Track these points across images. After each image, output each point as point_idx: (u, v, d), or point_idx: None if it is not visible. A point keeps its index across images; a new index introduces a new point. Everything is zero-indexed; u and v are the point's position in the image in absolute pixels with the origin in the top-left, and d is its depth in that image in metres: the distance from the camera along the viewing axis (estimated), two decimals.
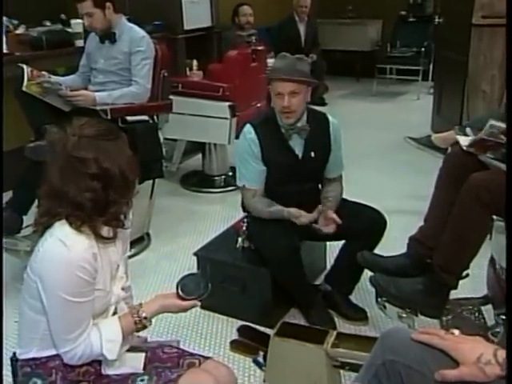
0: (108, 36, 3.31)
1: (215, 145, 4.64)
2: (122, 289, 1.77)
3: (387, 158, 5.20)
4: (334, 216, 2.56)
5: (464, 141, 2.36)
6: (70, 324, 1.56)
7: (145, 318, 1.70)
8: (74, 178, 1.54)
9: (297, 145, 2.68)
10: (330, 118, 2.76)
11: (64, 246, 1.51)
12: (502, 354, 1.22)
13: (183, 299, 1.75)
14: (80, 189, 1.54)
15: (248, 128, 2.67)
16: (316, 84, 2.73)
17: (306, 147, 2.68)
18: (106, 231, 1.62)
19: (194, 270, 2.94)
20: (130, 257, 3.32)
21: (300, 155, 2.68)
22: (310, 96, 2.65)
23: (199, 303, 1.78)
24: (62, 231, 1.54)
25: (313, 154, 2.69)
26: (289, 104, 2.55)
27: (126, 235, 1.80)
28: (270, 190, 2.71)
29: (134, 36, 3.30)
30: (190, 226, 3.92)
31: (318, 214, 2.54)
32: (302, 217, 2.53)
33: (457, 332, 1.34)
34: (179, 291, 1.76)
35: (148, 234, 3.74)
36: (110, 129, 1.64)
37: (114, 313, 1.72)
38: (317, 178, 2.80)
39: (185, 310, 1.78)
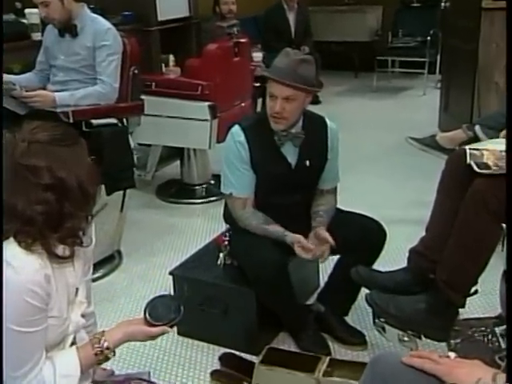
0: (68, 29, 3.29)
1: (195, 150, 4.63)
2: (83, 316, 1.74)
3: (387, 161, 5.21)
4: (327, 235, 2.55)
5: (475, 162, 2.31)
6: (18, 358, 1.52)
7: (107, 348, 1.68)
8: (23, 189, 1.52)
9: (290, 152, 2.68)
10: (328, 122, 2.76)
11: (11, 267, 1.48)
12: (502, 377, 1.21)
13: (151, 325, 1.73)
14: (30, 201, 1.52)
15: (236, 130, 2.66)
16: (318, 91, 2.72)
17: (301, 155, 2.68)
18: (61, 250, 1.60)
19: (171, 291, 2.92)
20: (99, 278, 3.37)
21: (293, 164, 2.68)
22: (308, 102, 2.63)
23: (170, 329, 1.76)
24: (8, 251, 1.51)
25: (308, 163, 2.69)
26: (280, 110, 2.53)
27: (87, 254, 1.78)
28: (257, 200, 2.70)
29: (99, 28, 3.29)
30: (166, 242, 3.91)
31: (316, 244, 2.55)
32: (304, 252, 2.53)
33: (453, 355, 1.33)
34: (147, 316, 1.74)
35: (119, 252, 3.72)
36: (66, 133, 1.62)
37: (73, 343, 1.70)
38: (310, 188, 2.79)
39: (153, 337, 1.76)
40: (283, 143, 2.65)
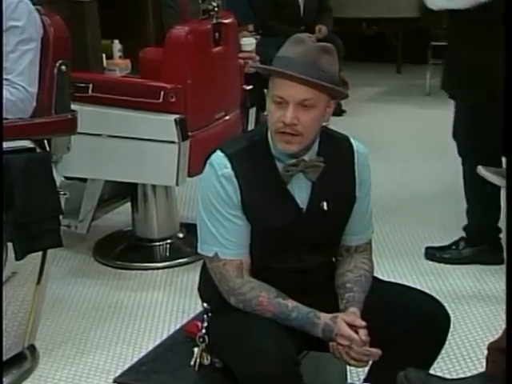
0: None
1: (154, 187, 4.66)
2: None
3: (448, 204, 5.16)
4: (358, 321, 2.52)
5: None
6: None
7: None
8: None
9: (301, 190, 2.68)
10: (354, 144, 2.78)
11: None
12: None
13: None
14: None
15: (220, 158, 2.65)
16: (345, 97, 2.72)
17: (314, 194, 2.69)
18: None
19: None
20: None
21: (304, 207, 2.69)
22: (330, 114, 2.64)
23: None
24: None
25: (325, 206, 2.69)
26: (292, 121, 2.52)
27: None
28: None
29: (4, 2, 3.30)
30: (109, 331, 3.89)
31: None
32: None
33: None
34: None
35: (33, 349, 3.66)
36: None
37: None
38: (331, 244, 2.80)
39: None
40: (291, 176, 2.65)
